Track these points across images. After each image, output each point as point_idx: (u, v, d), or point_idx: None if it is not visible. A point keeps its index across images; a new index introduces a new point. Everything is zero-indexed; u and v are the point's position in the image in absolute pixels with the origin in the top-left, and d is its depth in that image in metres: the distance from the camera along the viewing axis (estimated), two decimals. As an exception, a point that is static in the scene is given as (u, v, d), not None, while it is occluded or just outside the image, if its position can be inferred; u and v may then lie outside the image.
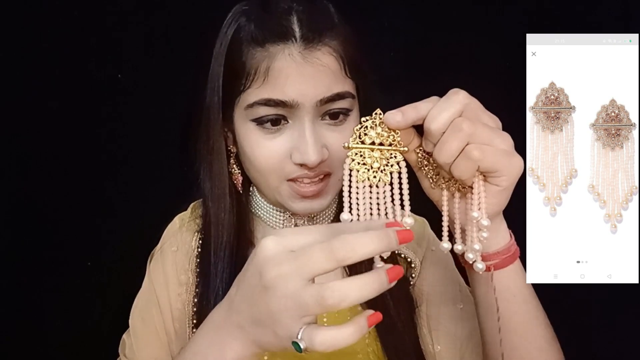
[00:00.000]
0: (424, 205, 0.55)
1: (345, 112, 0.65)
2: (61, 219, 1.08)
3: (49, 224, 1.08)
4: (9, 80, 1.03)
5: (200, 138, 0.70)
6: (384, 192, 0.49)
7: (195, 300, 0.71)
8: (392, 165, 0.49)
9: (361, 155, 0.49)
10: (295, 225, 0.73)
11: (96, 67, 1.06)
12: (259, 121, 0.64)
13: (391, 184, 0.49)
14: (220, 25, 0.68)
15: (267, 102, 0.62)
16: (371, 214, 0.48)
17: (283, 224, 0.73)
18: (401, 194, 0.49)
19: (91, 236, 1.08)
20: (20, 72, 1.04)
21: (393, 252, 0.69)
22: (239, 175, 0.72)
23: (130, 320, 0.74)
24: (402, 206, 0.49)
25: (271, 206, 0.73)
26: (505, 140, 0.49)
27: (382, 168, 0.49)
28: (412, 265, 0.74)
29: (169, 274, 0.73)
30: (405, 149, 0.50)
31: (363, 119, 0.49)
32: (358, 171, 0.49)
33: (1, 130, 1.05)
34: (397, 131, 0.49)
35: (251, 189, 0.76)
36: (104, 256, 1.09)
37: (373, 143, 0.49)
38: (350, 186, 0.49)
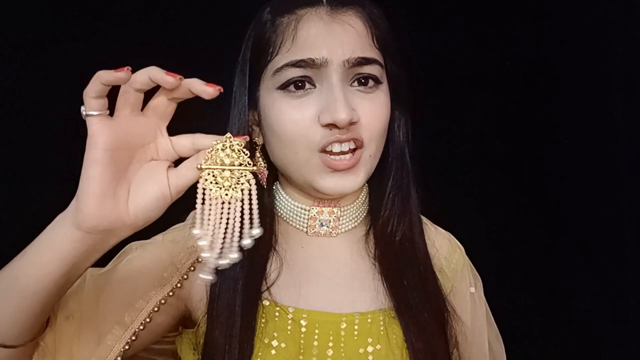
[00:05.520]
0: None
1: (375, 79, 0.66)
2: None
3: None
4: (9, 81, 1.04)
5: (229, 124, 0.70)
6: (235, 208, 0.52)
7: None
8: (242, 183, 0.54)
9: (213, 175, 0.53)
10: (321, 225, 0.72)
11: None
12: (284, 85, 0.65)
13: (242, 200, 0.53)
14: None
15: (297, 64, 0.64)
16: (221, 228, 0.52)
17: (307, 224, 0.72)
18: (250, 209, 0.53)
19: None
20: (20, 73, 1.04)
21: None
22: (264, 169, 0.71)
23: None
24: (251, 220, 0.53)
25: (295, 203, 0.72)
26: None
27: (233, 186, 0.53)
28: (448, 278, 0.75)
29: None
30: (254, 168, 0.54)
31: (213, 142, 0.54)
32: (211, 190, 0.53)
33: (0, 131, 1.05)
34: (246, 152, 0.54)
35: (274, 186, 0.75)
36: (105, 256, 1.05)
37: (224, 164, 0.54)
38: (203, 203, 0.52)
